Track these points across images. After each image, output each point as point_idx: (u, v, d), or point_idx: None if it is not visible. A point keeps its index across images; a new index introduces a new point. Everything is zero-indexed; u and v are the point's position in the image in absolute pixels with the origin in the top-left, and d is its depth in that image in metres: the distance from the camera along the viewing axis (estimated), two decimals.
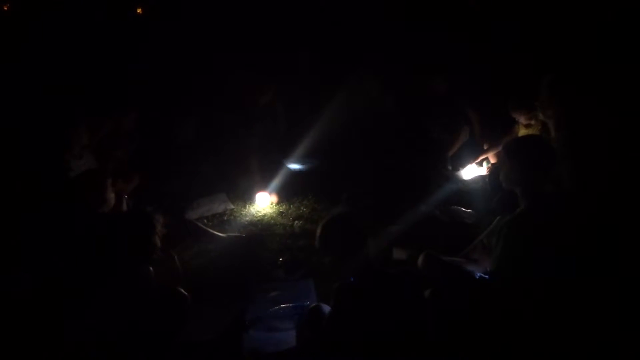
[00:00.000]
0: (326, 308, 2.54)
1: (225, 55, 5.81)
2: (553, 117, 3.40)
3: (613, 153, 3.06)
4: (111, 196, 3.20)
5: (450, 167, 4.99)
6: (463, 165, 4.90)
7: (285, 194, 4.51)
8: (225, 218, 4.27)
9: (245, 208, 4.41)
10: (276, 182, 4.61)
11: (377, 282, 2.30)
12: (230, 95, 5.25)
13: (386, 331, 2.17)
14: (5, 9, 8.95)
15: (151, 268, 2.69)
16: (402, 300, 2.26)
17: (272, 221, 4.15)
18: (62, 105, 4.48)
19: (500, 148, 3.92)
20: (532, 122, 4.18)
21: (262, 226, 4.09)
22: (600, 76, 3.70)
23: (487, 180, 3.95)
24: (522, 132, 4.28)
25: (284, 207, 4.35)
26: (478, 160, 4.83)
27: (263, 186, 4.54)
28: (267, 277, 3.37)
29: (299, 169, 5.00)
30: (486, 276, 2.67)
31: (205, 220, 4.21)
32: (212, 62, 5.67)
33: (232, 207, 4.42)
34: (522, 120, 4.28)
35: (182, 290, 2.72)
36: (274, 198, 4.44)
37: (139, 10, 8.78)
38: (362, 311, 2.22)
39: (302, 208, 4.31)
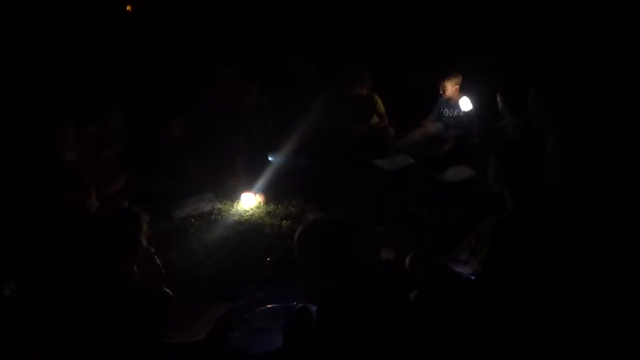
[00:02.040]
0: (313, 308, 2.53)
1: (213, 54, 5.79)
2: (545, 124, 3.43)
3: (604, 156, 3.08)
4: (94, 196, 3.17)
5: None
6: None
7: (273, 194, 4.49)
8: (213, 217, 4.24)
9: (233, 207, 4.38)
10: (264, 181, 4.59)
11: (362, 282, 2.29)
12: (218, 94, 5.24)
13: (372, 331, 2.16)
14: None
15: (135, 268, 2.67)
16: (388, 300, 2.24)
17: (260, 221, 4.12)
18: (49, 104, 4.44)
19: None
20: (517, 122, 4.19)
21: (249, 226, 4.06)
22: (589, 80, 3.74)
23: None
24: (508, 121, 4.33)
25: (272, 207, 4.33)
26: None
27: (250, 186, 4.52)
28: (253, 277, 3.35)
29: (288, 166, 4.99)
30: (473, 277, 2.67)
31: (193, 220, 4.18)
32: (199, 61, 5.64)
33: (220, 206, 4.39)
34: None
35: (167, 290, 2.70)
36: (259, 198, 4.41)
37: (128, 8, 8.70)
38: (347, 312, 2.21)
39: (290, 208, 4.29)
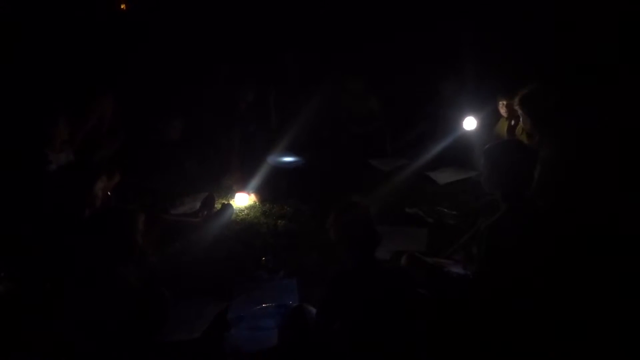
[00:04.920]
0: (309, 308, 2.54)
1: (212, 53, 5.79)
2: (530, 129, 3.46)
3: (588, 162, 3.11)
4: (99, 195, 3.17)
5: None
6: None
7: (269, 194, 4.50)
8: None
9: None
10: (259, 181, 4.59)
11: (375, 275, 2.29)
12: (216, 94, 5.23)
13: (375, 326, 2.17)
14: None
15: (131, 266, 2.66)
16: (395, 298, 2.24)
17: (256, 220, 4.13)
18: (43, 98, 4.42)
19: None
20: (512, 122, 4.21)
21: (245, 225, 4.06)
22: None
23: None
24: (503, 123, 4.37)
25: (267, 206, 4.34)
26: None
27: (246, 185, 4.53)
28: (249, 276, 3.35)
29: (284, 165, 5.00)
30: (469, 277, 2.68)
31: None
32: (198, 61, 5.63)
33: (216, 205, 4.39)
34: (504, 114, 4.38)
35: (163, 289, 2.69)
36: (254, 197, 4.42)
37: (122, 7, 8.66)
38: (354, 301, 2.21)
39: (285, 207, 4.29)
